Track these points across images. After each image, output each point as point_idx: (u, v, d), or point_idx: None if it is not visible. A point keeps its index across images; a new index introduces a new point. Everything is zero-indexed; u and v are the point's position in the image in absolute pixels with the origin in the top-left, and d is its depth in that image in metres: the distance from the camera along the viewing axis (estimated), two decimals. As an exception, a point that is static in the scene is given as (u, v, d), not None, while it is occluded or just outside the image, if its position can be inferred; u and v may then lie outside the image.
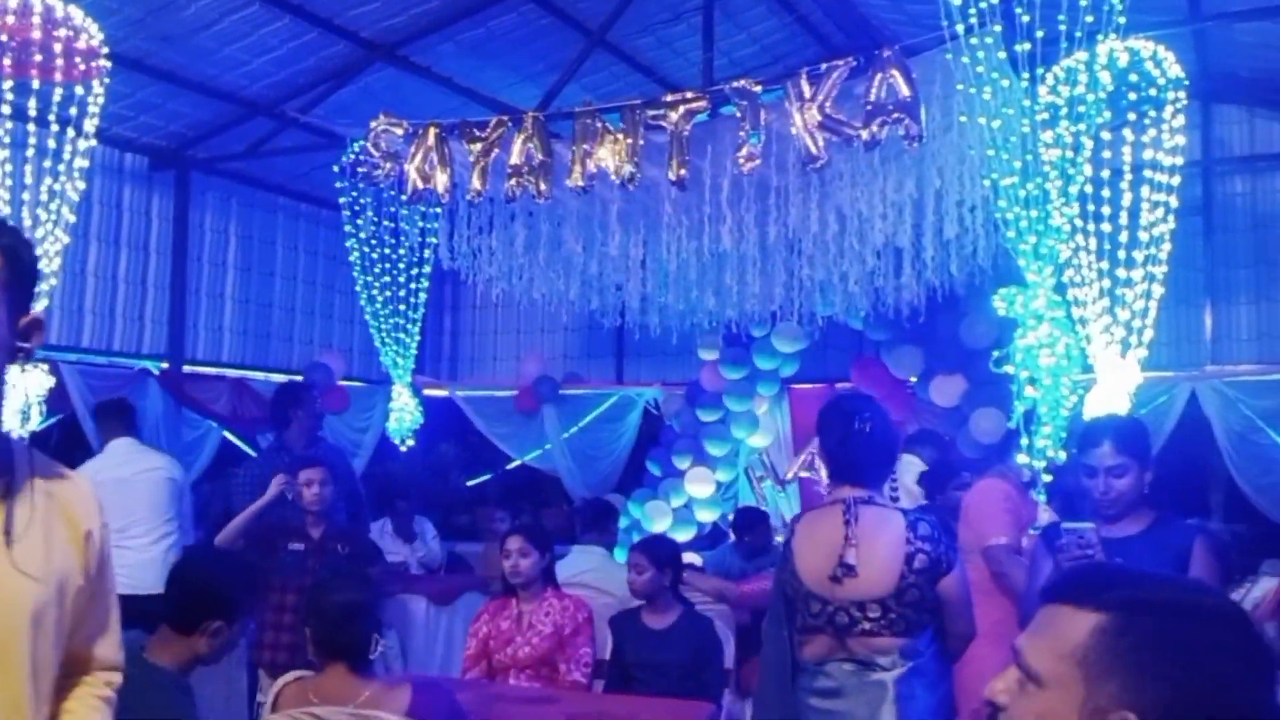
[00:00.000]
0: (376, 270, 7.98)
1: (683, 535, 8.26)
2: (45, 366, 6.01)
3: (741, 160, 5.17)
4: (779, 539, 6.31)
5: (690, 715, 3.79)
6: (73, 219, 5.50)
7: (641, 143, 5.38)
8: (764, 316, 7.22)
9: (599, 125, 5.45)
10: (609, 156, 5.41)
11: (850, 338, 8.52)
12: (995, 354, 5.03)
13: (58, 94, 5.09)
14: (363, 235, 7.78)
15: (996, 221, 5.58)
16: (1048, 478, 4.57)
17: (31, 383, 5.59)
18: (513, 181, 5.61)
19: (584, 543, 5.85)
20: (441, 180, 5.80)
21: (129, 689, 2.90)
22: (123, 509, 5.34)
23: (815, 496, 7.62)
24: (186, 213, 7.99)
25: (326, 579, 3.20)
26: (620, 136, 5.41)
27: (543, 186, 5.59)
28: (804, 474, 8.35)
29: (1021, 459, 4.66)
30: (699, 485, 8.66)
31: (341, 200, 7.60)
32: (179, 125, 7.62)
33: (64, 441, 5.74)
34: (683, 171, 5.29)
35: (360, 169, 6.15)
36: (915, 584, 3.01)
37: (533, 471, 9.68)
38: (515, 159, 5.59)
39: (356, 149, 6.25)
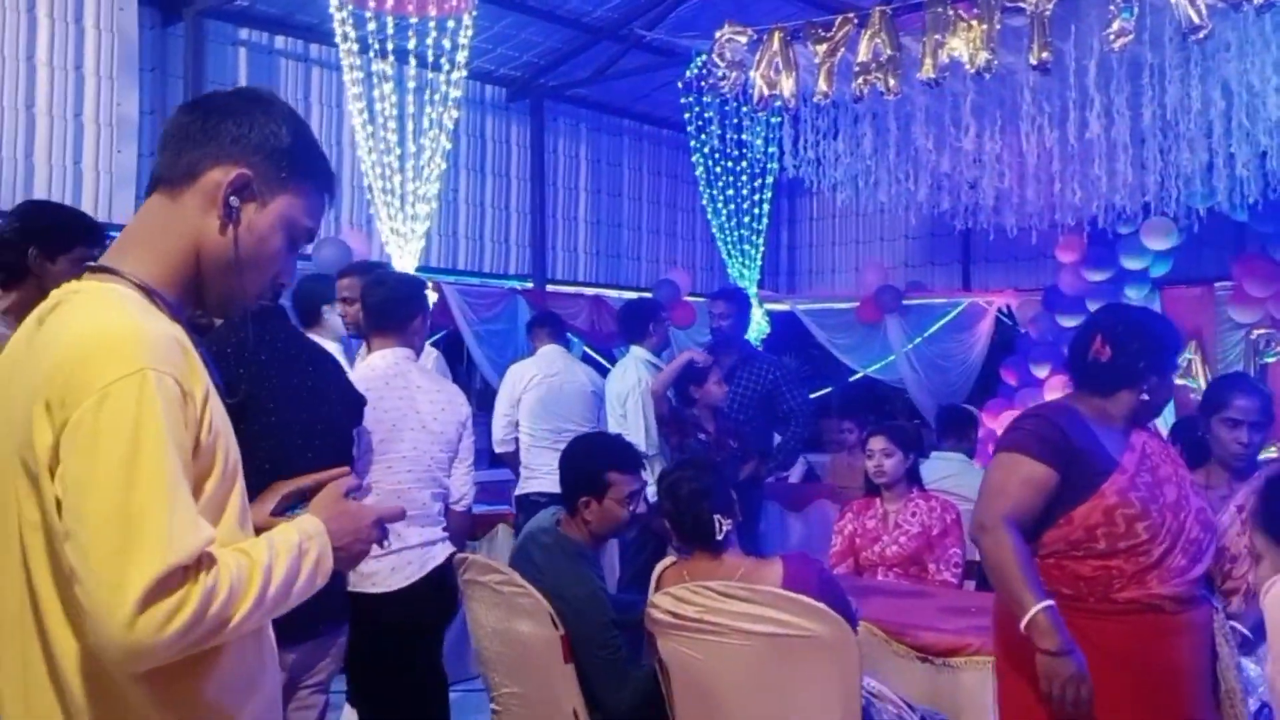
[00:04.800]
0: (720, 185, 8.09)
1: (1041, 446, 7.91)
2: (431, 283, 6.55)
3: (1111, 37, 4.76)
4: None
5: (1072, 618, 3.61)
6: (449, 145, 5.93)
7: (998, 28, 5.08)
8: (1134, 211, 6.69)
9: (951, 13, 5.20)
10: (962, 45, 5.15)
11: (1230, 232, 7.73)
12: None
13: (431, 32, 5.49)
14: (706, 150, 7.89)
15: None
16: None
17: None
18: (860, 80, 5.46)
19: (943, 449, 5.72)
20: (787, 85, 5.74)
21: (547, 553, 3.24)
22: (554, 413, 5.82)
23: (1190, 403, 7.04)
24: (542, 140, 8.44)
25: (671, 468, 3.33)
26: (974, 23, 5.13)
27: (891, 83, 5.40)
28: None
29: None
30: (1059, 393, 8.22)
31: (686, 115, 7.73)
32: (531, 55, 8.01)
33: (448, 354, 6.23)
34: (1045, 54, 4.95)
35: (705, 81, 6.21)
36: None
37: (875, 383, 9.57)
38: (863, 56, 5.43)
39: (701, 61, 6.31)
